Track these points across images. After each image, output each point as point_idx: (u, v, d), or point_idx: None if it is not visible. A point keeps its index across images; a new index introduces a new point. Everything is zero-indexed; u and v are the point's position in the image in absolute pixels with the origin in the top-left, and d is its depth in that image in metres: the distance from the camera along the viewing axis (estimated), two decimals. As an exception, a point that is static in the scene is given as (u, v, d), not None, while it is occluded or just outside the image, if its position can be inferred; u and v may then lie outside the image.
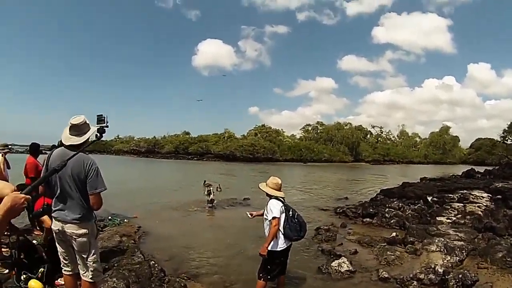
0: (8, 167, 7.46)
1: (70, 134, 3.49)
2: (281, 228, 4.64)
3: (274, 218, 4.57)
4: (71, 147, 3.47)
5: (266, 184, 4.93)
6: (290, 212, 4.72)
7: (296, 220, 4.70)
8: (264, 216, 4.83)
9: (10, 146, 7.68)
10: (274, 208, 4.61)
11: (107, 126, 3.23)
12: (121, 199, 13.49)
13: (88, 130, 3.53)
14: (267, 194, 4.88)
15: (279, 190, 4.88)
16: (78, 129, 3.47)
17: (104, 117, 3.21)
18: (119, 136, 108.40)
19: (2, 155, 7.34)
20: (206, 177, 16.48)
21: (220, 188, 15.82)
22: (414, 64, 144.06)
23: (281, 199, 4.80)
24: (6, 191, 4.78)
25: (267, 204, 4.79)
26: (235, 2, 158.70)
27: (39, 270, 4.64)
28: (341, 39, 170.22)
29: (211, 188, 13.97)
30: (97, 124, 3.24)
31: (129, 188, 17.12)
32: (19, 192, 1.64)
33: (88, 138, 3.53)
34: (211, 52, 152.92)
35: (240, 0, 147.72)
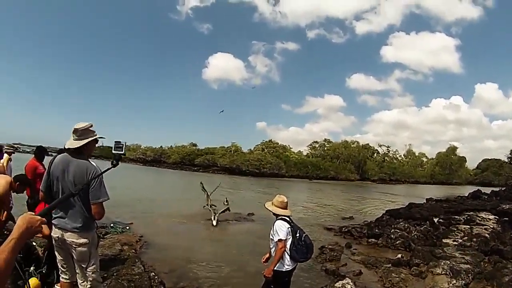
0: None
1: (73, 139, 3.42)
2: (287, 250, 4.54)
3: (280, 240, 4.48)
4: (73, 152, 3.42)
5: (272, 203, 4.85)
6: (297, 234, 4.60)
7: (303, 242, 4.58)
8: (270, 236, 4.73)
9: (17, 147, 7.68)
10: (280, 230, 4.52)
11: (124, 154, 3.21)
12: (124, 207, 13.50)
13: (92, 136, 3.48)
14: (274, 213, 4.80)
15: (285, 208, 4.80)
16: (80, 133, 3.40)
17: (122, 144, 3.18)
18: (126, 144, 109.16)
19: (9, 154, 7.46)
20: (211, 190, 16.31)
21: (227, 201, 15.75)
22: (422, 83, 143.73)
23: (288, 219, 4.71)
24: (1, 181, 4.77)
25: (273, 224, 4.71)
26: (246, 17, 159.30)
27: (39, 270, 4.60)
28: (350, 58, 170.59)
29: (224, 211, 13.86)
30: (114, 150, 3.18)
31: (133, 196, 17.17)
32: (33, 214, 1.61)
33: (90, 142, 3.45)
34: (222, 65, 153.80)
35: (252, 16, 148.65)
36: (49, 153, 8.02)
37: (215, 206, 14.27)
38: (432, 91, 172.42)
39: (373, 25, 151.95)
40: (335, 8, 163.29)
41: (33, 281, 4.24)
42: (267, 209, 4.88)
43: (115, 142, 3.17)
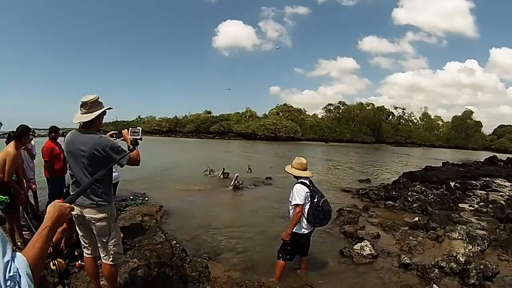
0: (32, 156, 7.20)
1: (80, 113, 3.26)
2: (305, 214, 4.61)
3: (297, 205, 4.53)
4: (82, 127, 3.30)
5: (292, 166, 4.86)
6: (316, 199, 4.62)
7: (320, 208, 4.61)
8: (289, 199, 4.76)
9: (33, 131, 7.38)
10: (299, 195, 4.55)
11: (140, 139, 3.21)
12: (142, 179, 13.54)
13: (100, 108, 3.30)
14: (294, 176, 4.81)
15: (305, 170, 4.81)
16: (88, 106, 3.23)
17: (138, 129, 3.21)
18: (141, 117, 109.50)
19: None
20: (228, 157, 16.34)
21: (250, 169, 15.85)
22: (435, 46, 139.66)
23: (307, 182, 4.71)
24: (8, 149, 4.83)
25: (292, 188, 4.73)
26: None
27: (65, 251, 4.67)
28: (361, 20, 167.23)
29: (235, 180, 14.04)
30: (130, 135, 3.22)
31: (151, 167, 16.92)
32: (61, 201, 1.64)
33: (99, 115, 3.29)
34: (232, 33, 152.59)
35: None
36: (63, 134, 8.00)
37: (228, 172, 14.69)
38: (446, 54, 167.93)
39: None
40: None
41: (59, 260, 4.35)
42: (287, 172, 4.89)
43: (131, 127, 3.20)
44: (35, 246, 1.27)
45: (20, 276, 0.97)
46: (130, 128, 3.22)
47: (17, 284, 0.93)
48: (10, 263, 0.94)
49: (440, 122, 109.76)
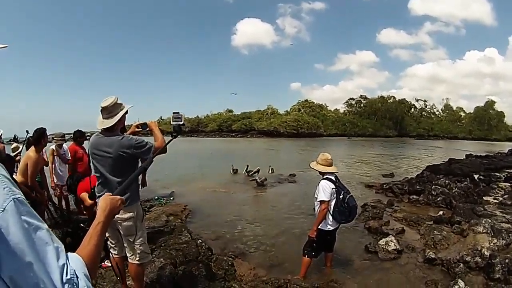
0: (65, 161, 7.08)
1: (102, 118, 3.24)
2: (330, 210, 4.57)
3: (323, 201, 4.50)
4: (105, 131, 3.27)
5: (317, 162, 4.83)
6: (341, 195, 4.57)
7: (346, 204, 4.57)
8: (315, 195, 4.73)
9: (63, 136, 7.37)
10: (324, 191, 4.51)
11: (183, 124, 3.03)
12: (167, 178, 13.64)
13: (121, 110, 3.27)
14: (320, 172, 4.79)
15: (330, 165, 4.77)
16: (109, 111, 3.21)
17: (181, 115, 3.02)
18: (162, 118, 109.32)
19: (57, 146, 7.09)
20: (251, 155, 16.32)
21: (272, 170, 15.80)
22: (453, 36, 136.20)
23: (333, 178, 4.68)
24: (30, 154, 4.87)
25: (318, 184, 4.70)
26: None
27: None
28: (378, 13, 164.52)
29: (255, 173, 14.16)
30: (173, 121, 3.03)
31: (174, 167, 17.10)
32: (110, 194, 1.61)
33: (121, 118, 3.27)
34: (250, 31, 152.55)
35: None
36: (87, 137, 7.92)
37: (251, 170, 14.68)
38: (465, 43, 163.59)
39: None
40: None
41: None
42: (313, 168, 4.86)
43: (174, 113, 3.02)
44: (90, 243, 1.22)
45: (77, 277, 0.93)
46: (172, 114, 3.03)
47: (75, 286, 0.89)
48: (66, 266, 0.89)
49: (462, 114, 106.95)
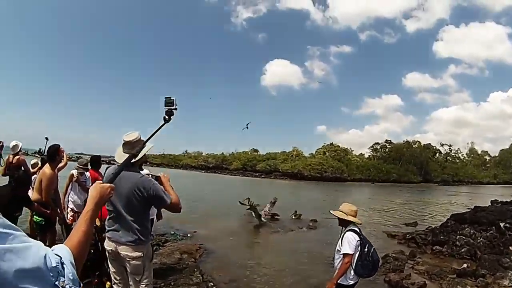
0: (85, 190, 6.83)
1: (123, 152, 3.23)
2: (353, 264, 4.28)
3: (347, 254, 4.23)
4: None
5: (345, 212, 4.52)
6: (366, 249, 4.30)
7: (370, 258, 4.30)
8: (337, 248, 4.45)
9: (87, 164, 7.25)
10: (350, 244, 4.24)
11: (175, 109, 2.80)
12: (186, 214, 13.24)
13: (143, 147, 3.08)
14: (341, 221, 4.54)
15: (354, 216, 4.52)
16: (131, 146, 3.18)
17: (173, 99, 2.81)
18: (187, 151, 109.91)
19: (80, 174, 7.00)
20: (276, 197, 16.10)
21: (298, 215, 15.45)
22: (477, 77, 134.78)
23: (358, 230, 4.43)
24: (46, 170, 4.87)
25: (342, 235, 4.43)
26: (299, 24, 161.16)
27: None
28: (403, 56, 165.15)
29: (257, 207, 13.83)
30: (165, 106, 2.80)
31: (195, 203, 17.02)
32: (101, 182, 1.68)
33: (143, 156, 3.27)
34: (279, 72, 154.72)
35: (304, 22, 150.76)
36: (101, 162, 7.71)
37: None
38: (489, 84, 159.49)
39: (422, 21, 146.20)
40: (383, 9, 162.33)
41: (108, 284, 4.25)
42: (335, 215, 4.60)
43: (165, 98, 2.84)
44: (79, 230, 1.27)
45: (63, 265, 0.96)
46: (165, 98, 2.83)
47: (60, 273, 0.92)
48: (49, 256, 0.92)
49: (487, 157, 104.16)
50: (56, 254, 0.98)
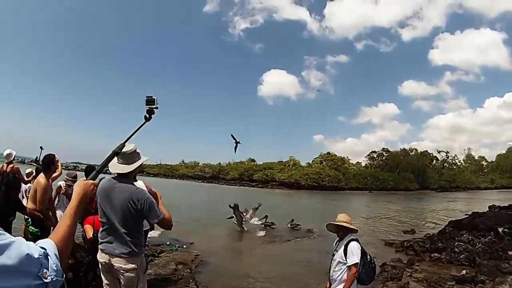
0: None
1: (118, 162, 3.19)
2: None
3: (356, 264, 4.08)
4: (118, 175, 3.22)
5: (346, 222, 4.39)
6: (368, 256, 4.25)
7: (373, 265, 4.28)
8: (339, 259, 4.27)
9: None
10: (357, 253, 4.11)
11: (156, 108, 2.76)
12: (183, 225, 13.13)
13: (138, 159, 3.25)
14: (340, 231, 4.40)
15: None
16: (127, 157, 3.17)
17: (154, 98, 2.77)
18: (184, 161, 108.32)
19: (66, 185, 6.74)
20: (271, 206, 15.96)
21: (295, 225, 15.25)
22: (473, 83, 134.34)
23: (357, 239, 4.32)
24: (40, 180, 4.79)
25: (345, 246, 4.24)
26: (296, 35, 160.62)
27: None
28: (399, 65, 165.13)
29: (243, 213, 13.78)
30: (146, 105, 2.74)
31: (192, 213, 16.97)
32: (85, 179, 1.72)
33: (137, 168, 3.25)
34: (276, 82, 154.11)
35: (301, 32, 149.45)
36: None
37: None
38: (484, 90, 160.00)
39: (418, 30, 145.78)
40: (379, 18, 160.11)
41: None
42: (345, 225, 4.37)
43: (147, 97, 2.79)
44: (64, 224, 1.32)
45: (47, 256, 1.01)
46: (146, 97, 2.78)
47: (43, 265, 0.96)
48: (31, 248, 0.96)
49: (484, 163, 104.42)
50: (40, 247, 1.03)
